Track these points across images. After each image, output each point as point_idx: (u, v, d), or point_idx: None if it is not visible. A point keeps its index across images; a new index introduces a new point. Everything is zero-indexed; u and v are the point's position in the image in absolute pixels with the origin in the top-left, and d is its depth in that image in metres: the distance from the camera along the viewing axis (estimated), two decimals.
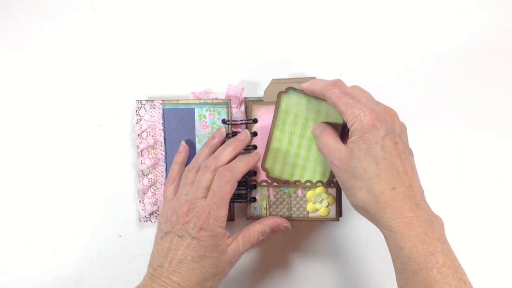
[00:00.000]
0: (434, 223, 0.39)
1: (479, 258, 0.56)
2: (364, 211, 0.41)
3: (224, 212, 0.44)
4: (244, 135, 0.50)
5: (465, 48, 0.57)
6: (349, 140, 0.41)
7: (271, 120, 0.50)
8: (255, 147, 0.51)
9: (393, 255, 0.39)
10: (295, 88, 0.48)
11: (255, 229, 0.47)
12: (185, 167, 0.50)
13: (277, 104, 0.49)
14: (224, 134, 0.51)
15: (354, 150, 0.40)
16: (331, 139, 0.44)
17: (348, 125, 0.41)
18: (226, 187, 0.44)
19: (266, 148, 0.50)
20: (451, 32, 0.57)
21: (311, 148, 0.49)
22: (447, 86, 0.57)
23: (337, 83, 0.43)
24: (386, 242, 0.40)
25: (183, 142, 0.52)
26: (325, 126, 0.47)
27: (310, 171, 0.50)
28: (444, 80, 0.57)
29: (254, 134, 0.51)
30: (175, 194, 0.49)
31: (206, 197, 0.45)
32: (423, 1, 0.57)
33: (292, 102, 0.49)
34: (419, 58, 0.57)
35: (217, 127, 0.53)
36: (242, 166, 0.46)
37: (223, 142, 0.50)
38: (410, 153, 0.42)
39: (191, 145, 0.54)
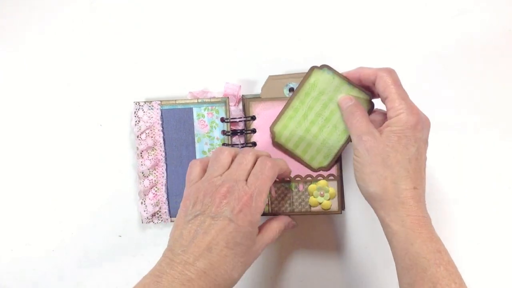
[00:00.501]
0: (432, 226, 0.41)
1: (479, 258, 0.55)
2: (378, 199, 0.41)
3: (265, 198, 0.42)
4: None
5: (465, 48, 0.57)
6: (388, 129, 0.42)
7: (270, 117, 0.50)
8: (254, 144, 0.51)
9: (401, 251, 0.40)
10: (331, 68, 0.48)
11: (275, 226, 0.46)
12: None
13: (306, 76, 0.48)
14: None
15: (393, 140, 0.41)
16: (365, 120, 0.44)
17: (391, 114, 0.42)
18: (269, 172, 0.42)
19: (280, 113, 0.50)
20: (451, 32, 0.57)
21: (323, 128, 0.49)
22: (447, 86, 0.57)
23: (392, 71, 0.44)
24: (392, 239, 0.41)
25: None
26: (357, 102, 0.46)
27: (315, 150, 0.50)
28: (444, 80, 0.57)
29: (253, 131, 0.51)
30: (200, 177, 0.44)
31: (246, 180, 0.42)
32: (423, 1, 0.57)
33: (323, 79, 0.48)
34: (419, 58, 0.57)
35: (216, 126, 0.53)
36: (283, 164, 0.46)
37: None
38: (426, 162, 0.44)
39: (191, 144, 0.54)
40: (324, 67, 0.48)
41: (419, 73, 0.57)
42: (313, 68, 0.48)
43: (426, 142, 0.43)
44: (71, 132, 0.57)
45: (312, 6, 0.57)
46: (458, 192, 0.56)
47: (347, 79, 0.47)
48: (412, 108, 0.42)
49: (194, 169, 0.44)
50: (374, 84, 0.44)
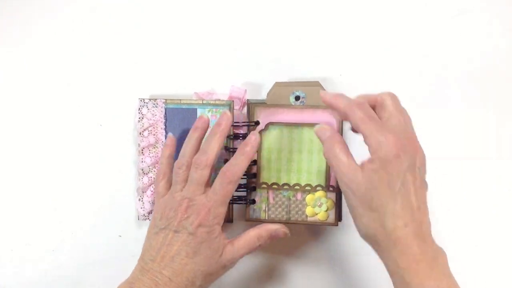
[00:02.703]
0: (438, 258, 0.39)
1: (477, 260, 0.55)
2: (373, 241, 0.41)
3: (224, 209, 0.45)
4: (225, 118, 0.48)
5: (465, 48, 0.57)
6: (369, 167, 0.40)
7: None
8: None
9: None
10: (274, 122, 0.50)
11: (252, 234, 0.46)
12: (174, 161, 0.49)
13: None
14: (207, 121, 0.49)
15: (375, 180, 0.39)
16: (345, 155, 0.42)
17: (370, 151, 0.40)
18: (228, 187, 0.45)
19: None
20: (451, 32, 0.57)
21: (300, 180, 0.51)
22: (447, 86, 0.57)
23: (363, 105, 0.42)
24: (392, 278, 0.40)
25: (170, 135, 0.52)
26: (334, 133, 0.44)
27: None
28: (443, 80, 0.57)
29: None
30: (167, 189, 0.48)
31: (204, 193, 0.45)
32: (423, 1, 0.57)
33: (273, 138, 0.50)
34: (419, 58, 0.57)
35: None
36: (242, 162, 0.46)
37: (207, 130, 0.49)
38: (425, 187, 0.41)
39: None
40: (268, 125, 0.50)
41: (418, 73, 0.57)
42: (260, 133, 0.50)
43: (414, 170, 0.40)
44: (71, 132, 0.57)
45: (312, 6, 0.57)
46: (457, 193, 0.56)
47: (292, 124, 0.49)
48: (389, 138, 0.39)
49: (159, 183, 0.49)
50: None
